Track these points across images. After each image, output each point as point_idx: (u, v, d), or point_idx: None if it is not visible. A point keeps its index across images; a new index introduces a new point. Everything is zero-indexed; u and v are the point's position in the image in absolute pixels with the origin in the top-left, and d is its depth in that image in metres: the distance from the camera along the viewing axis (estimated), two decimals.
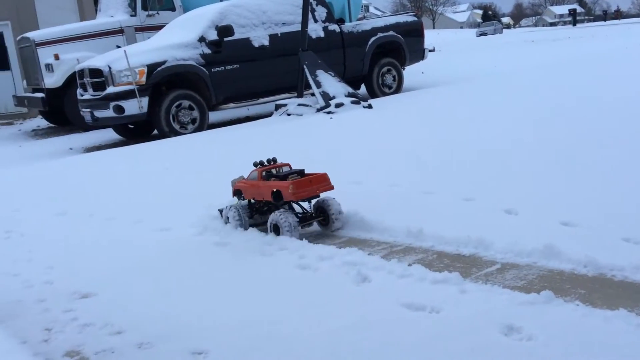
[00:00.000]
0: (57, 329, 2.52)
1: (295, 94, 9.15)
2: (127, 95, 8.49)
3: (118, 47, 10.57)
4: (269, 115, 9.01)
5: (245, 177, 3.60)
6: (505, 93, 8.17)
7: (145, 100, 8.56)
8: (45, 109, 11.77)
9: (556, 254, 2.62)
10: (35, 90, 11.95)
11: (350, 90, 8.81)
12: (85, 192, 5.29)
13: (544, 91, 7.76)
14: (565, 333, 1.99)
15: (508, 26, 78.46)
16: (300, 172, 3.42)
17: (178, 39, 9.10)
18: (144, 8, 11.83)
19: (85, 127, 10.78)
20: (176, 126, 8.80)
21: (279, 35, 9.62)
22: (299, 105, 8.63)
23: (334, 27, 10.23)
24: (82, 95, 9.28)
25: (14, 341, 2.44)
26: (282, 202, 3.34)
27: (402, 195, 3.83)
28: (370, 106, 8.37)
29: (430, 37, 23.35)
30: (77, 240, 3.84)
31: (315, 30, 9.88)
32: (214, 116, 9.94)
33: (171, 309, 2.58)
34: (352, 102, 8.37)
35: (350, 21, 12.24)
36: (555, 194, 3.46)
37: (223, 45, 9.10)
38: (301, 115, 8.34)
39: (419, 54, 11.39)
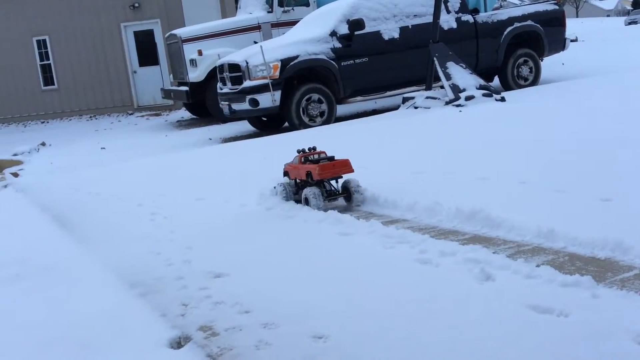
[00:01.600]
0: (193, 305, 2.73)
1: (424, 87, 9.03)
2: (262, 89, 8.88)
3: (255, 42, 11.07)
4: (396, 108, 8.98)
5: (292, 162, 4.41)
6: None
7: (278, 94, 8.90)
8: (189, 102, 12.63)
9: None
10: (180, 84, 12.84)
11: (482, 82, 8.53)
12: (223, 179, 5.63)
13: None
14: None
15: None
16: (330, 158, 4.18)
17: (310, 33, 9.35)
18: (280, 4, 12.26)
19: (223, 119, 11.42)
20: (305, 119, 9.06)
21: (410, 27, 9.54)
22: (427, 98, 8.50)
23: (467, 17, 9.96)
24: (221, 89, 9.85)
25: (155, 314, 2.69)
26: (314, 181, 4.09)
27: (532, 193, 3.67)
28: (503, 99, 8.06)
29: (573, 26, 21.89)
30: (214, 224, 4.11)
31: (448, 21, 9.67)
32: (341, 109, 10.09)
33: (297, 292, 2.69)
34: (484, 95, 8.10)
35: (486, 11, 11.81)
36: None
37: (353, 38, 9.20)
38: (429, 108, 8.23)
39: (559, 44, 10.76)
